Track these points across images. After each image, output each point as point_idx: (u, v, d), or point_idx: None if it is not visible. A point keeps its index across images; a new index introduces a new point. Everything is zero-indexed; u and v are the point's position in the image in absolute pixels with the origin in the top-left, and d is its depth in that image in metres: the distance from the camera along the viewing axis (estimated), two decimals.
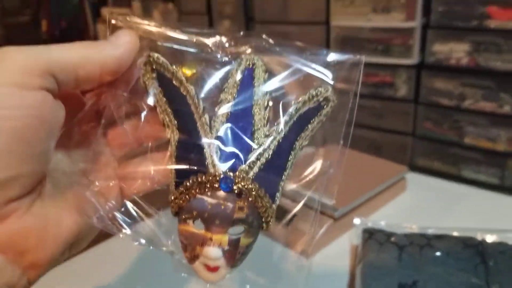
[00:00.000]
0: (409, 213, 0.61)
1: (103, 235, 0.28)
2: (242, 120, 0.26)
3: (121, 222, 0.27)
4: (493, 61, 1.60)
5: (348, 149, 0.81)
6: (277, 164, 0.26)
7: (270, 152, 0.25)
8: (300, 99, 0.27)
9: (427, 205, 0.62)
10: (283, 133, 0.26)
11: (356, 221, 0.56)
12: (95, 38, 2.85)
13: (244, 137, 0.25)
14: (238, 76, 0.26)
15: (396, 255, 0.46)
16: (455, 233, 0.50)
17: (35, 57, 0.22)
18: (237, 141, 0.25)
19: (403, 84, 1.86)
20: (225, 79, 0.27)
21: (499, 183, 1.70)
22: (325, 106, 0.28)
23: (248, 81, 0.26)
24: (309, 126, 0.28)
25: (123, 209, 0.28)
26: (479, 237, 0.48)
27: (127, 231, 0.27)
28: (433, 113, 1.83)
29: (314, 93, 0.27)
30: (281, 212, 0.62)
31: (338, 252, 0.54)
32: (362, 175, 0.66)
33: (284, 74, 0.27)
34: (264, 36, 0.28)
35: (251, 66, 0.27)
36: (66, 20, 2.90)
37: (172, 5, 2.32)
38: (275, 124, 0.26)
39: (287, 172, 0.27)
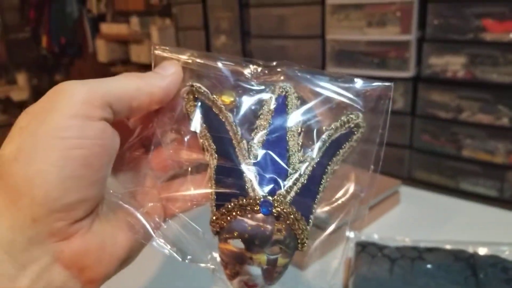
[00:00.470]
0: (402, 226, 0.61)
1: None
2: (277, 146, 0.27)
3: (163, 239, 0.29)
4: (490, 73, 1.61)
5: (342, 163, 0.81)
6: (311, 188, 0.27)
7: (306, 177, 0.27)
8: (333, 125, 0.28)
9: (420, 218, 0.63)
10: (317, 158, 0.27)
11: (350, 234, 0.56)
12: (94, 54, 2.89)
13: (281, 162, 0.27)
14: (273, 104, 0.28)
15: (387, 268, 0.47)
16: (448, 246, 0.50)
17: (95, 90, 0.23)
18: (274, 166, 0.26)
19: (400, 97, 1.87)
20: (259, 106, 0.28)
21: (498, 196, 1.70)
22: (355, 132, 0.29)
23: (282, 108, 0.28)
24: (340, 151, 0.29)
25: (165, 226, 0.29)
26: (470, 250, 0.49)
27: (169, 247, 0.28)
28: (430, 125, 1.84)
29: (345, 119, 0.28)
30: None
31: (331, 265, 0.54)
32: None
33: (316, 101, 0.29)
34: (296, 66, 0.30)
35: (284, 93, 0.28)
36: (65, 36, 2.94)
37: (170, 21, 2.35)
38: (310, 150, 0.27)
39: (320, 195, 0.28)
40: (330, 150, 0.28)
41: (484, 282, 0.43)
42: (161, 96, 0.26)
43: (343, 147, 0.29)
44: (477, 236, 0.52)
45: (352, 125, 0.28)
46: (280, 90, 0.28)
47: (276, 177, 0.26)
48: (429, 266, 0.46)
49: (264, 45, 2.03)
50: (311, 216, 0.28)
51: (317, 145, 0.27)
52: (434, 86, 1.74)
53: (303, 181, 0.26)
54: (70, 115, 0.22)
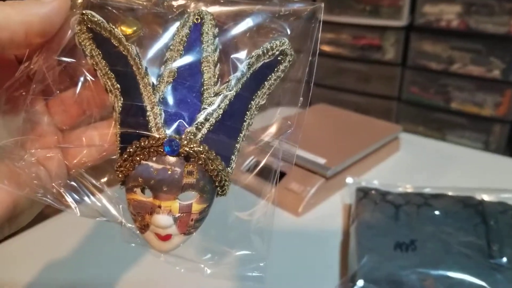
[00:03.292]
0: (403, 173, 0.58)
1: (54, 210, 0.26)
2: (189, 79, 0.24)
3: (67, 197, 0.25)
4: (484, 23, 1.56)
5: (342, 109, 0.77)
6: (230, 125, 0.24)
7: (220, 112, 0.23)
8: (254, 53, 0.24)
9: (421, 165, 0.60)
10: (234, 91, 0.24)
11: (349, 180, 0.53)
12: None
13: (193, 97, 0.23)
14: (185, 32, 0.24)
15: (392, 214, 0.44)
16: (452, 193, 0.47)
17: None
18: (183, 101, 0.23)
19: (391, 47, 1.81)
20: (172, 37, 0.25)
21: (483, 148, 1.71)
22: (282, 61, 0.25)
23: (196, 37, 0.24)
24: (266, 83, 0.25)
25: (69, 182, 0.25)
26: (477, 196, 0.46)
27: (73, 205, 0.25)
28: (420, 77, 1.80)
29: (268, 46, 0.24)
30: (268, 171, 0.59)
31: (329, 212, 0.52)
32: (355, 134, 0.63)
33: (236, 27, 0.25)
34: None
35: (199, 21, 0.25)
36: None
37: None
38: (227, 81, 0.24)
39: (243, 133, 0.25)
40: (253, 82, 0.25)
41: (494, 230, 0.41)
42: (40, 26, 0.22)
43: (268, 78, 0.25)
44: (480, 183, 0.49)
45: (277, 53, 0.25)
46: (195, 17, 0.25)
47: (185, 113, 0.23)
48: (436, 212, 0.43)
49: None
50: (233, 157, 0.24)
51: (235, 76, 0.24)
52: (427, 36, 1.69)
53: (217, 116, 0.23)
54: None
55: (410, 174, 0.58)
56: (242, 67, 0.24)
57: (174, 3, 0.25)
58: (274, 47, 0.24)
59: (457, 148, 0.65)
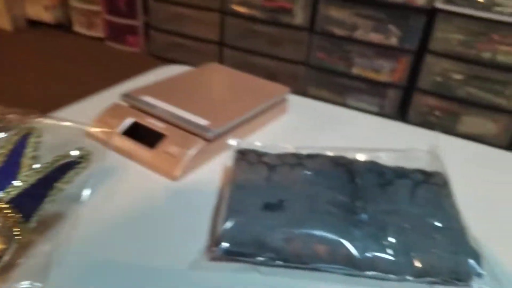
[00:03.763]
0: (288, 135, 0.58)
1: None
2: (11, 164, 0.36)
3: None
4: None
5: (231, 68, 0.75)
6: (35, 194, 0.36)
7: (27, 185, 0.35)
8: (54, 158, 0.38)
9: (307, 127, 0.60)
10: (41, 175, 0.37)
11: (232, 142, 0.52)
12: None
13: (10, 174, 0.36)
14: (16, 138, 0.38)
15: (265, 175, 0.43)
16: (329, 153, 0.48)
17: None
18: (3, 176, 0.35)
19: (300, 10, 1.82)
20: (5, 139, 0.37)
21: (379, 111, 1.83)
22: (82, 163, 0.40)
23: (22, 142, 0.38)
24: (65, 176, 0.38)
25: None
26: (350, 156, 0.48)
27: None
28: (327, 42, 1.85)
29: (64, 155, 0.39)
30: (153, 137, 0.56)
31: (209, 175, 0.50)
32: (243, 95, 0.61)
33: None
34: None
35: (27, 133, 0.38)
36: None
37: None
38: (35, 169, 0.37)
39: (47, 201, 0.37)
40: (58, 172, 0.38)
41: (360, 187, 0.42)
42: None
43: (67, 172, 0.38)
44: (361, 144, 0.51)
45: (74, 159, 0.39)
46: (26, 131, 0.38)
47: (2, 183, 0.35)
48: (308, 172, 0.43)
49: None
50: (34, 216, 0.35)
51: (42, 166, 0.37)
52: (334, 1, 1.72)
53: (25, 187, 0.35)
54: None
55: (295, 135, 0.58)
56: (42, 165, 0.37)
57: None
58: (69, 155, 0.39)
59: (342, 110, 0.66)
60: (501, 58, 1.53)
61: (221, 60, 2.09)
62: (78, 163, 0.39)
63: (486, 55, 1.55)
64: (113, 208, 0.43)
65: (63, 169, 0.38)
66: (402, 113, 1.78)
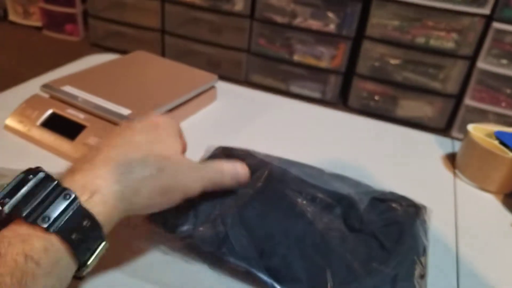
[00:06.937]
0: (216, 124, 0.58)
1: None
2: None
3: None
4: None
5: (159, 56, 0.72)
6: None
7: None
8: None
9: (235, 116, 0.60)
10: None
11: None
12: None
13: None
14: None
15: None
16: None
17: None
18: None
19: None
20: None
21: (321, 97, 1.87)
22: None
23: None
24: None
25: None
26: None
27: None
28: (267, 30, 1.85)
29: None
30: (73, 128, 0.53)
31: None
32: (168, 84, 0.60)
33: None
34: None
35: None
36: None
37: None
38: None
39: None
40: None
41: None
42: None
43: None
44: (288, 131, 0.51)
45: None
46: None
47: None
48: None
49: None
50: None
51: None
52: None
53: None
54: None
55: (222, 125, 0.57)
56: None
57: None
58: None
59: (271, 96, 0.66)
60: (434, 43, 1.60)
61: (163, 48, 2.03)
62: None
63: (420, 40, 1.62)
64: None
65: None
66: (343, 99, 1.83)
